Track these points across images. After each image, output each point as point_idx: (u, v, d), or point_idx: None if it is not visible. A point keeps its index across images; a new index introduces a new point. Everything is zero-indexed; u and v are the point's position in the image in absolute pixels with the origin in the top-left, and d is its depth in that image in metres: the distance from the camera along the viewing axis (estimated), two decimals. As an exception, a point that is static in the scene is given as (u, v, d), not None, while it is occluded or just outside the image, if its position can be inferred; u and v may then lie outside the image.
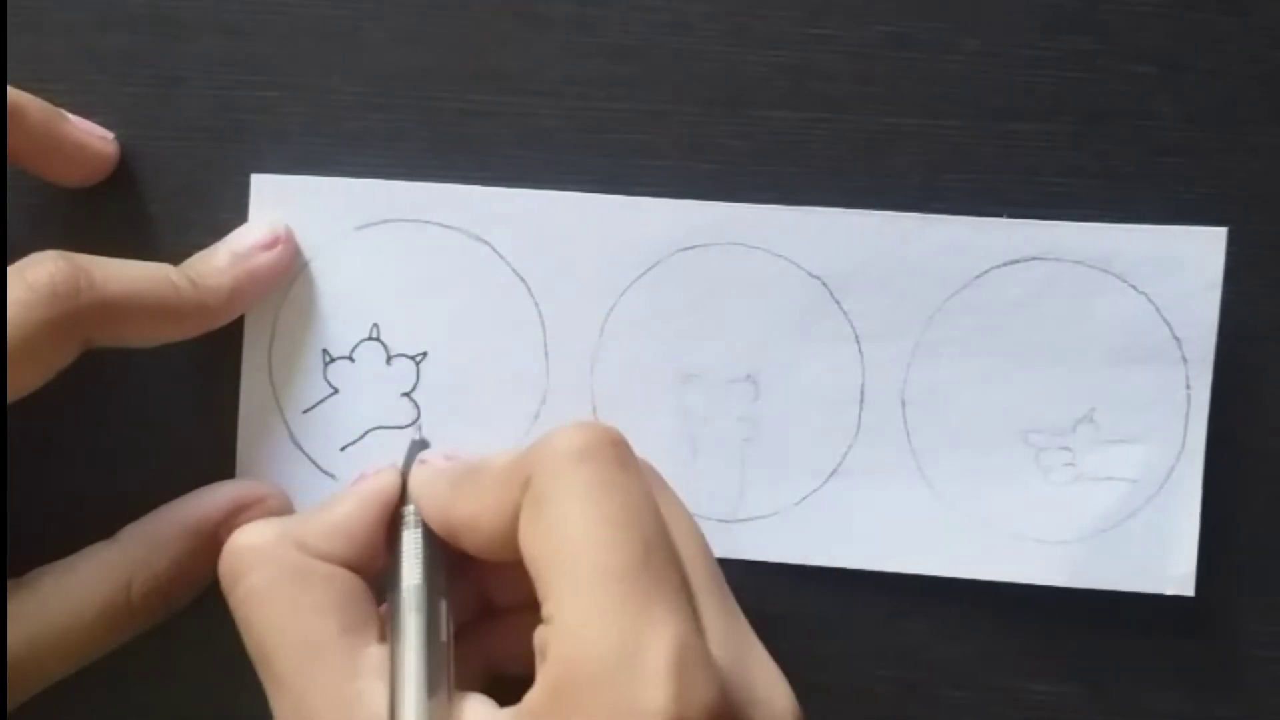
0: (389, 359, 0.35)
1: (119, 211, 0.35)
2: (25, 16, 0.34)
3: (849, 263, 0.34)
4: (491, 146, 0.35)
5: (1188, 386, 0.34)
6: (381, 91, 0.35)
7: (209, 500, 0.33)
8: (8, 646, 0.30)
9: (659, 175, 0.34)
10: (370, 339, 0.35)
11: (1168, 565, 0.34)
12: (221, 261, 0.33)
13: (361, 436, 0.35)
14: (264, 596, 0.29)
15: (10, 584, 0.31)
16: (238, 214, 0.34)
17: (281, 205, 0.34)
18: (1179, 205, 0.34)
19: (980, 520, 0.34)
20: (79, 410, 0.34)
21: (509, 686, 0.27)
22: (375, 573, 0.30)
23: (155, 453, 0.34)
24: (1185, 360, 0.34)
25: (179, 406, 0.35)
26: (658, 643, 0.24)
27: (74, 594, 0.31)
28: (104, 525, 0.32)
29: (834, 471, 0.34)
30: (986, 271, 0.34)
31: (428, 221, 0.34)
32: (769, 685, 0.27)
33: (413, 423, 0.34)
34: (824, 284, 0.34)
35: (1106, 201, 0.34)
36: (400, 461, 0.32)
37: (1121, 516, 0.34)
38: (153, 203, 0.35)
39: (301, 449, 0.34)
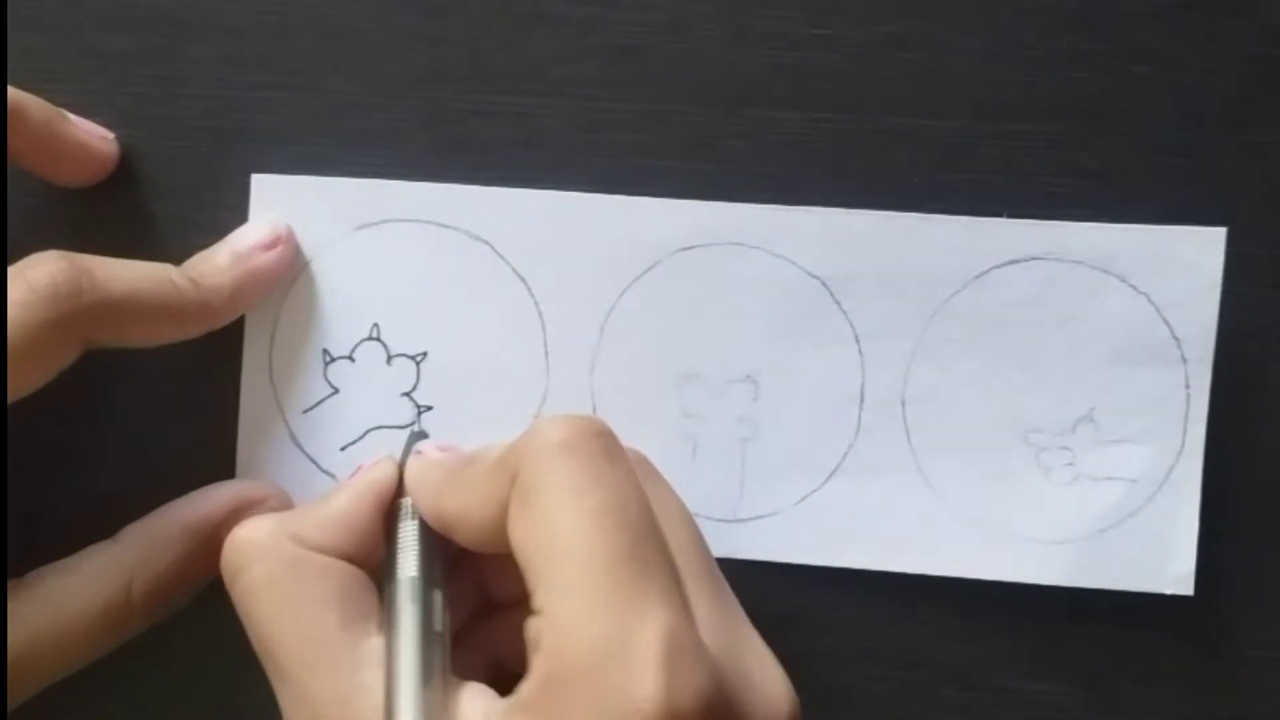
0: (389, 359, 0.35)
1: (119, 211, 0.35)
2: (25, 16, 0.34)
3: (849, 263, 0.34)
4: (491, 146, 0.35)
5: (1187, 386, 0.34)
6: (382, 91, 0.35)
7: (209, 500, 0.33)
8: (8, 646, 0.30)
9: (659, 175, 0.34)
10: (370, 339, 0.35)
11: (1167, 565, 0.34)
12: (222, 261, 0.33)
13: (362, 436, 0.35)
14: (264, 590, 0.29)
15: (10, 584, 0.31)
16: (238, 214, 0.34)
17: (282, 205, 0.34)
18: (1179, 205, 0.34)
19: (980, 520, 0.34)
20: (79, 410, 0.34)
21: (514, 682, 0.27)
22: (376, 565, 0.30)
23: (155, 453, 0.34)
24: (1185, 360, 0.34)
25: (179, 406, 0.35)
26: (647, 632, 0.24)
27: (74, 594, 0.31)
28: (104, 525, 0.32)
29: (834, 471, 0.34)
30: (986, 271, 0.34)
31: (428, 221, 0.34)
32: (764, 673, 0.27)
33: (412, 422, 0.34)
34: (824, 284, 0.34)
35: (1106, 201, 0.34)
36: (399, 453, 0.32)
37: (1121, 516, 0.34)
38: (153, 203, 0.35)
39: (302, 449, 0.34)
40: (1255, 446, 0.35)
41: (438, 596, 0.29)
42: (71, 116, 0.34)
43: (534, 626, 0.26)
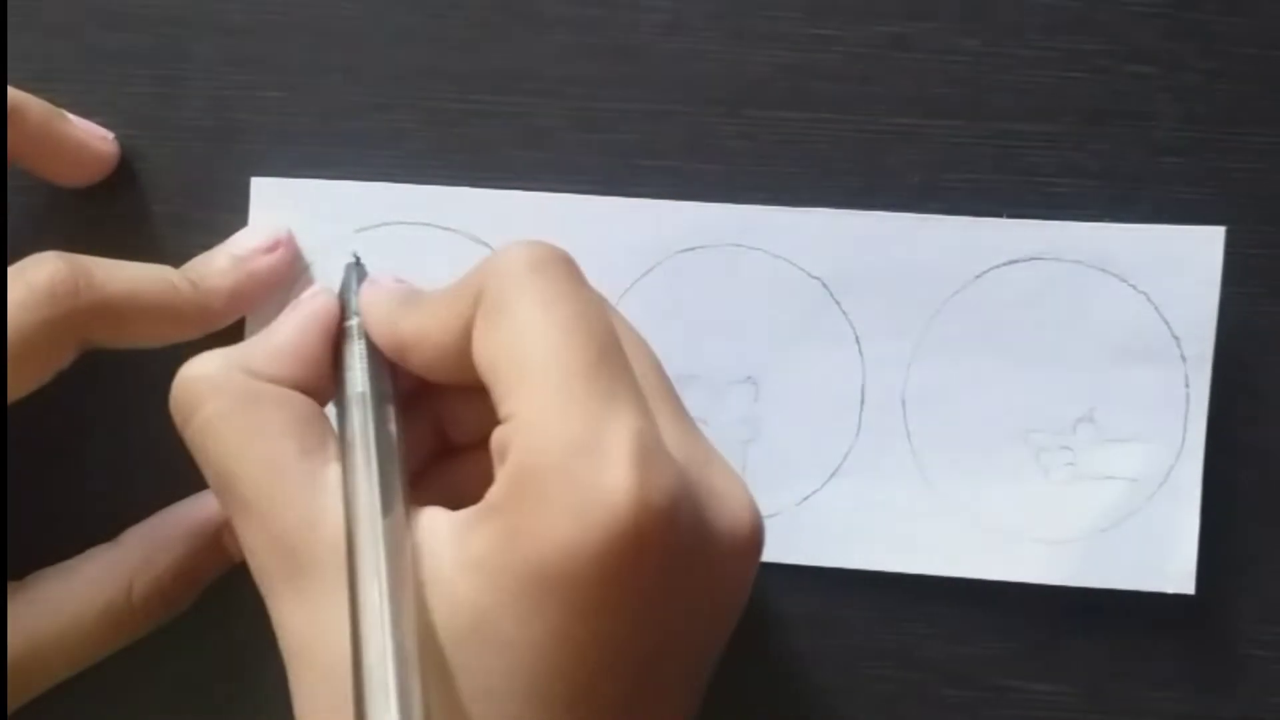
0: (389, 359, 0.34)
1: (119, 211, 0.35)
2: (25, 16, 0.34)
3: (849, 263, 0.34)
4: (492, 147, 0.35)
5: (1187, 385, 0.34)
6: (382, 92, 0.35)
7: (211, 503, 0.33)
8: (9, 648, 0.30)
9: (659, 175, 0.34)
10: (371, 339, 0.34)
11: (1167, 564, 0.34)
12: (222, 264, 0.33)
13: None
14: (221, 424, 0.28)
15: (11, 586, 0.31)
16: (238, 215, 0.34)
17: (282, 208, 0.34)
18: (1179, 205, 0.34)
19: (980, 520, 0.34)
20: (79, 411, 0.34)
21: None
22: (328, 396, 0.30)
23: (156, 455, 0.34)
24: (1184, 359, 0.34)
25: (179, 407, 0.35)
26: (620, 430, 0.25)
27: (75, 596, 0.31)
28: (105, 527, 0.32)
29: (834, 472, 0.34)
30: (986, 271, 0.34)
31: (428, 224, 0.34)
32: (726, 481, 0.28)
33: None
34: (824, 284, 0.34)
35: (1106, 201, 0.34)
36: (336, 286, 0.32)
37: (1121, 515, 0.34)
38: (153, 203, 0.35)
39: (302, 449, 0.34)
40: (1255, 445, 0.35)
41: (390, 410, 0.29)
42: (71, 116, 0.33)
43: (501, 435, 0.26)
